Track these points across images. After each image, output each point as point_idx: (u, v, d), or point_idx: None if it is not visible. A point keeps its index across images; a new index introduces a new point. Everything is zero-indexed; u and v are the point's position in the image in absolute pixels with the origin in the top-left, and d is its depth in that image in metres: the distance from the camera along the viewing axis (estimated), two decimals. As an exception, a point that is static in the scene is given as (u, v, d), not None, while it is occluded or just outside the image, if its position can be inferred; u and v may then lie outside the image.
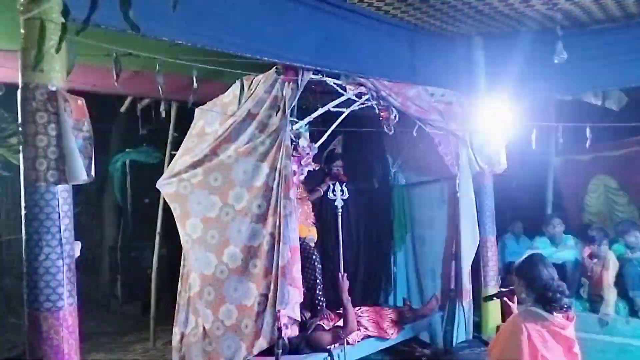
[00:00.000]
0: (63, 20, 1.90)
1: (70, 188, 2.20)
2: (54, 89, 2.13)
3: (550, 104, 5.54)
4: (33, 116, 2.12)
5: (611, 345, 4.36)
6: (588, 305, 4.71)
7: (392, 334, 4.11)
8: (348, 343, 3.75)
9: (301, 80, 3.33)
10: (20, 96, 2.16)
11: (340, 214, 3.83)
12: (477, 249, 4.71)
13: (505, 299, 3.13)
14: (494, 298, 3.47)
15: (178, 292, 3.80)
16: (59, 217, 2.11)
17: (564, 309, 2.66)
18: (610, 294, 4.50)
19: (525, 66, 4.55)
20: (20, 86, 2.16)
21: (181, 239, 3.68)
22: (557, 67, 4.33)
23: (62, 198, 2.14)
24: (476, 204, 4.73)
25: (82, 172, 2.15)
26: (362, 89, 3.81)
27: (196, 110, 3.82)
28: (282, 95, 3.33)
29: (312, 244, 4.44)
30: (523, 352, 2.62)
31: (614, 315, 4.46)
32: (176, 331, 3.76)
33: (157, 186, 3.73)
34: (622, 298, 4.55)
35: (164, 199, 4.63)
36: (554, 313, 2.66)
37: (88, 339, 5.41)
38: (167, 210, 4.10)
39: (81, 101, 2.23)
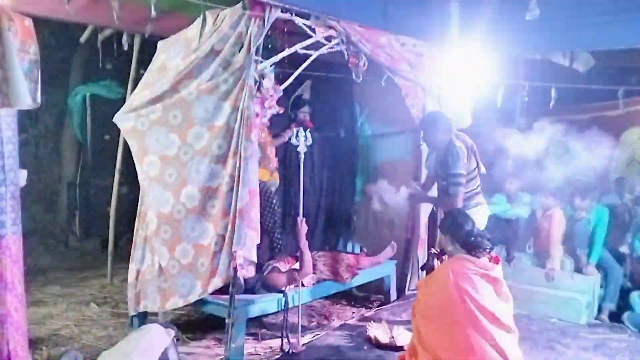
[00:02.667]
0: None
1: (14, 113, 2.10)
2: (-4, 5, 1.99)
3: (519, 63, 5.55)
4: (-27, 33, 1.99)
5: (555, 299, 4.59)
6: (535, 260, 4.91)
7: (346, 278, 4.21)
8: (303, 285, 3.83)
9: (268, 17, 3.20)
10: (-41, 10, 2.01)
11: (303, 160, 3.82)
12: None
13: (437, 260, 3.35)
14: (428, 264, 3.67)
15: (135, 229, 3.78)
16: (2, 142, 2.03)
17: (487, 251, 2.99)
18: (556, 251, 4.70)
19: (498, 22, 4.52)
20: (-42, -1, 2.01)
21: (139, 176, 3.61)
22: (529, 25, 4.29)
23: (5, 123, 2.04)
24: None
25: (26, 96, 2.04)
26: (332, 33, 3.70)
27: (159, 43, 3.67)
28: (248, 32, 3.20)
29: (273, 189, 4.44)
30: (449, 295, 2.85)
31: (560, 270, 4.67)
32: (132, 268, 3.76)
33: (114, 120, 3.62)
34: (569, 255, 4.76)
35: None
36: (480, 257, 2.97)
37: (44, 273, 5.38)
38: (127, 148, 4.00)
39: (28, 22, 2.10)
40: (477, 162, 3.93)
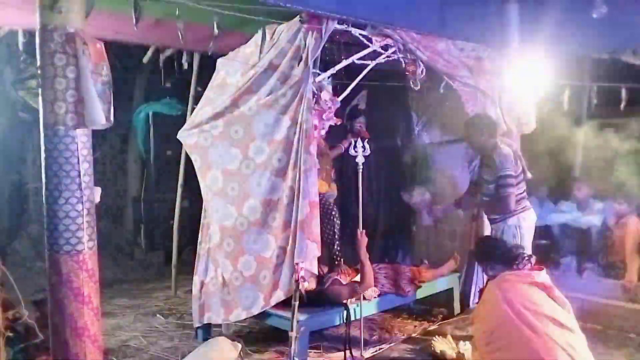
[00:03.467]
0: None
1: (89, 132, 2.20)
2: (72, 30, 2.09)
3: (585, 63, 5.29)
4: (51, 58, 2.09)
5: (633, 312, 4.30)
6: (609, 272, 4.64)
7: (408, 291, 4.12)
8: (364, 298, 3.77)
9: (325, 29, 3.21)
10: (39, 38, 2.13)
11: (361, 170, 3.78)
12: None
13: None
14: None
15: (198, 242, 3.86)
16: (78, 161, 2.11)
17: (526, 258, 3.00)
18: (633, 261, 4.42)
19: (560, 21, 4.33)
20: (38, 27, 2.12)
21: (202, 190, 3.70)
22: (595, 23, 4.09)
23: (81, 142, 2.13)
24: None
25: (100, 116, 2.13)
26: (389, 41, 3.67)
27: (218, 60, 3.77)
28: (305, 45, 3.22)
29: (332, 200, 4.42)
30: (503, 314, 2.75)
31: (637, 282, 4.39)
32: (196, 280, 3.84)
33: (178, 137, 3.73)
34: (647, 265, 4.47)
35: (185, 151, 4.65)
36: (521, 267, 2.98)
37: (112, 286, 5.59)
38: (188, 162, 4.10)
39: (100, 45, 2.19)
40: (522, 166, 3.93)
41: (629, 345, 3.99)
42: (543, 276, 2.97)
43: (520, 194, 3.90)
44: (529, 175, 3.97)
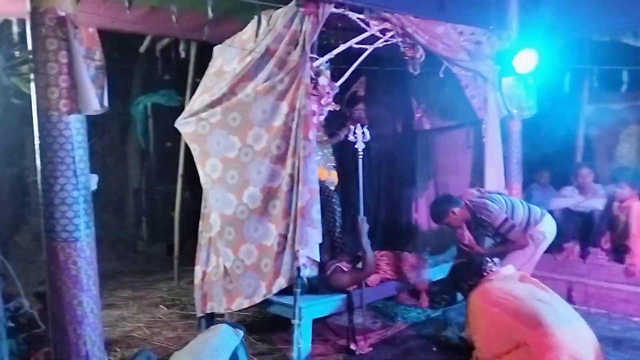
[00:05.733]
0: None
1: (83, 119, 2.16)
2: (62, 14, 2.05)
3: (585, 46, 5.23)
4: (43, 43, 2.06)
5: (636, 296, 4.28)
6: (613, 256, 4.61)
7: (411, 277, 4.10)
8: (367, 285, 3.76)
9: (322, 13, 3.17)
10: (30, 22, 2.09)
11: (361, 157, 3.75)
12: (502, 196, 4.60)
13: None
14: None
15: (199, 232, 3.84)
16: (73, 147, 2.09)
17: (491, 262, 3.26)
18: (636, 244, 4.38)
19: (560, 4, 4.29)
20: (28, 11, 2.09)
21: (201, 179, 3.67)
22: (595, 5, 4.06)
23: (75, 128, 2.10)
24: (503, 150, 4.58)
25: (94, 101, 2.10)
26: (387, 25, 3.62)
27: (215, 47, 3.73)
28: (302, 29, 3.18)
29: (332, 188, 4.40)
30: (490, 315, 2.93)
31: (640, 265, 4.36)
32: (198, 270, 3.82)
33: (175, 125, 3.70)
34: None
35: (185, 142, 4.62)
36: (489, 272, 3.20)
37: (115, 277, 5.59)
38: (188, 153, 4.07)
39: (92, 29, 2.16)
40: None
41: (634, 329, 3.98)
42: (510, 269, 3.25)
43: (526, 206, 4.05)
44: (504, 191, 4.19)
